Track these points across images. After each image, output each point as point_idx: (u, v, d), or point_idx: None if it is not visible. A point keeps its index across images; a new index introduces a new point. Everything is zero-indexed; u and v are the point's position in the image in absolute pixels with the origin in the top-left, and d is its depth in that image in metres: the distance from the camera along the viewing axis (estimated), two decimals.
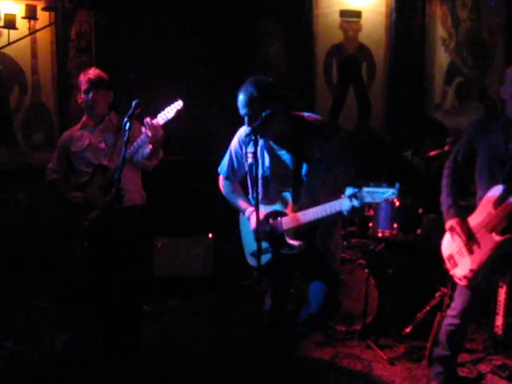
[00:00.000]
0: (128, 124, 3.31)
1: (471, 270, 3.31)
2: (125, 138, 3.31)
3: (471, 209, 3.44)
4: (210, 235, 5.53)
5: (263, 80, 3.11)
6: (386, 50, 5.71)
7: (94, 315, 4.09)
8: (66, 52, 5.48)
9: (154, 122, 3.57)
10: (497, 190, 3.20)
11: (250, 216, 3.28)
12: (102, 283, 3.89)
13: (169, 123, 3.61)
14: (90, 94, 3.90)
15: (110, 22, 5.50)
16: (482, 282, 3.33)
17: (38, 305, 4.93)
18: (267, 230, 3.19)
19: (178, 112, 3.58)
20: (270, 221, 3.19)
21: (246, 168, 3.33)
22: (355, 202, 2.79)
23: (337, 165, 3.10)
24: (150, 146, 3.67)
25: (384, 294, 4.41)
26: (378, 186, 2.73)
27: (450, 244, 3.47)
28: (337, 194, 3.04)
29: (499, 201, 3.18)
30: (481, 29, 4.96)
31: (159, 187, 4.68)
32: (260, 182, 3.19)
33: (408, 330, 4.36)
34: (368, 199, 2.75)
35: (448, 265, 3.48)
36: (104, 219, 3.81)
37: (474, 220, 3.35)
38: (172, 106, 3.60)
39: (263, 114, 2.94)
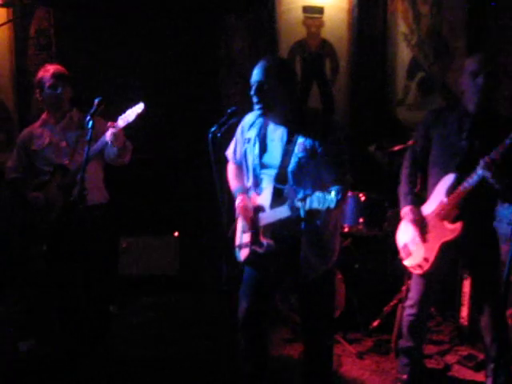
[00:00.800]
0: (91, 122, 3.26)
1: (425, 259, 3.38)
2: (87, 137, 3.26)
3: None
4: (176, 234, 5.49)
5: (287, 60, 3.06)
6: (348, 46, 5.73)
7: (58, 319, 4.01)
8: (24, 49, 5.35)
9: (116, 126, 3.53)
10: (448, 179, 3.27)
11: (237, 205, 3.15)
12: (66, 286, 3.82)
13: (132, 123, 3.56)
14: (59, 89, 3.81)
15: (70, 19, 5.40)
16: (436, 270, 3.39)
17: (1, 310, 4.82)
18: (249, 225, 3.09)
19: (139, 115, 3.53)
20: (254, 215, 3.07)
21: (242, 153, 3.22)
22: (301, 211, 2.72)
23: (329, 164, 2.94)
24: (113, 147, 3.63)
25: (351, 289, 4.44)
26: (329, 192, 2.64)
27: (404, 233, 3.54)
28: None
29: (451, 189, 3.25)
30: (442, 24, 5.01)
31: (124, 186, 4.61)
32: (251, 170, 3.12)
33: (375, 323, 4.40)
34: (315, 205, 2.67)
35: (402, 254, 3.56)
36: (65, 220, 3.74)
37: (426, 209, 3.42)
38: (133, 108, 3.53)
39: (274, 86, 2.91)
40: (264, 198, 3.05)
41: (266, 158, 3.06)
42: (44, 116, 3.95)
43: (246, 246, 3.11)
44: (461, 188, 3.18)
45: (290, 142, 2.99)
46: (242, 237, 3.16)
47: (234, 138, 3.29)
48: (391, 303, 4.35)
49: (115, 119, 3.57)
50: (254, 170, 3.10)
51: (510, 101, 4.41)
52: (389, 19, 5.62)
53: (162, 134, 5.66)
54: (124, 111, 3.55)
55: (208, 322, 4.67)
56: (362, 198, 4.54)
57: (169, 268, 5.45)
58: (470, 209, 3.23)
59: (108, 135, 3.54)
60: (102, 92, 3.73)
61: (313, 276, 3.06)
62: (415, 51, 5.37)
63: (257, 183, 3.11)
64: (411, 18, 5.37)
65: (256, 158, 3.07)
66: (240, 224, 3.21)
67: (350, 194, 4.59)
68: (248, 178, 3.17)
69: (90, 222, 3.64)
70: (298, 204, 2.74)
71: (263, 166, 3.07)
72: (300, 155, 2.95)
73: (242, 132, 3.20)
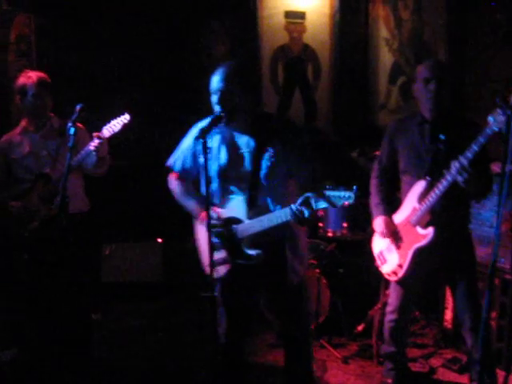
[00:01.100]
0: (72, 129, 3.22)
1: (399, 265, 3.41)
2: (69, 144, 3.22)
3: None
4: (160, 240, 5.46)
5: (248, 63, 2.97)
6: (330, 51, 5.76)
7: (40, 328, 3.95)
8: (5, 56, 5.31)
9: (101, 135, 3.51)
10: (420, 185, 3.29)
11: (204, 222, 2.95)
12: (48, 294, 3.77)
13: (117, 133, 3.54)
14: (44, 99, 3.76)
15: (51, 25, 5.36)
16: (412, 276, 3.41)
17: None
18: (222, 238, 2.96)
19: (125, 125, 3.50)
20: (226, 228, 2.94)
21: (200, 164, 3.05)
22: (305, 212, 2.67)
23: (301, 165, 2.93)
24: (95, 157, 3.60)
25: (336, 294, 4.44)
26: (336, 189, 2.60)
27: (379, 241, 3.56)
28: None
29: (422, 195, 3.27)
30: (423, 29, 5.04)
31: (106, 193, 4.58)
32: (216, 181, 2.99)
33: (360, 328, 4.40)
34: (323, 205, 2.63)
35: (378, 262, 3.59)
36: (46, 228, 3.69)
37: (399, 216, 3.45)
38: (119, 119, 3.53)
39: (237, 97, 2.82)
40: (235, 208, 2.93)
41: (236, 166, 2.95)
42: (24, 123, 3.89)
43: (224, 261, 2.96)
44: (432, 194, 3.19)
45: (257, 149, 2.91)
46: (215, 253, 2.94)
47: (181, 149, 3.14)
48: (376, 307, 4.35)
49: (97, 125, 3.55)
50: (220, 179, 2.96)
51: (492, 104, 4.45)
52: (370, 24, 5.65)
53: (144, 139, 5.64)
54: (106, 117, 3.53)
55: (192, 327, 4.64)
56: (346, 203, 4.53)
57: (153, 274, 5.41)
58: (442, 213, 3.25)
59: (93, 145, 3.52)
60: (83, 98, 3.71)
61: (297, 280, 3.05)
62: (397, 56, 5.40)
63: (223, 194, 2.98)
64: (392, 23, 5.40)
65: (223, 166, 2.95)
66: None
67: None
68: (208, 189, 2.95)
69: (71, 230, 3.61)
70: (301, 207, 2.68)
71: (232, 175, 2.95)
72: (270, 161, 2.89)
73: (195, 141, 2.97)
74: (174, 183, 3.19)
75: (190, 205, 3.11)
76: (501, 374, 3.39)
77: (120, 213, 5.41)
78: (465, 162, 2.97)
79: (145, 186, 5.56)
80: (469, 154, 2.96)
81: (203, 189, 3.08)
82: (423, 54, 5.06)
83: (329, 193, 2.61)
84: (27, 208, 3.76)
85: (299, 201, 2.69)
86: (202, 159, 2.97)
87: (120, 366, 4.08)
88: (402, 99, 5.40)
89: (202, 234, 3.07)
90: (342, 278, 4.61)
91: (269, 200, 2.93)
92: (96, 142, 3.52)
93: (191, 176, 3.14)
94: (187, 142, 3.11)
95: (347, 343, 4.38)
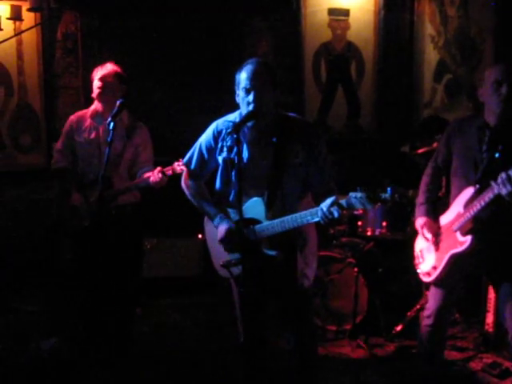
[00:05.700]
0: (112, 124, 3.28)
1: (433, 267, 3.35)
2: (109, 138, 3.28)
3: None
4: (200, 236, 5.49)
5: (272, 62, 2.99)
6: (374, 48, 5.70)
7: (83, 318, 4.03)
8: (52, 53, 5.44)
9: (166, 172, 3.55)
10: (468, 192, 3.19)
11: (219, 225, 2.99)
12: (92, 285, 3.84)
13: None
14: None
15: (97, 23, 5.47)
16: (448, 280, 3.33)
17: (25, 308, 4.87)
18: (238, 240, 2.87)
19: None
20: (243, 229, 2.85)
21: (219, 163, 3.05)
22: (335, 213, 2.63)
23: (320, 168, 2.93)
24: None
25: (374, 293, 4.39)
26: (364, 194, 2.57)
27: (421, 240, 3.50)
28: (312, 202, 2.96)
29: (469, 202, 3.16)
30: (469, 26, 4.94)
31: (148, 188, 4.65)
32: (236, 179, 2.88)
33: (398, 328, 4.34)
34: (358, 205, 2.60)
35: (417, 260, 3.52)
36: (96, 220, 3.74)
37: (444, 219, 3.37)
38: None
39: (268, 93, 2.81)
40: (253, 209, 2.90)
41: (256, 167, 2.93)
42: (98, 107, 3.88)
43: (238, 263, 2.84)
44: (477, 204, 3.07)
45: (280, 149, 2.89)
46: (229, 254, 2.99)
47: (198, 147, 3.13)
48: (414, 308, 4.29)
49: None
50: (239, 179, 2.76)
51: None
52: (416, 21, 5.58)
53: (186, 136, 5.68)
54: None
55: (232, 323, 4.65)
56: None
57: (193, 270, 5.45)
58: (488, 221, 3.14)
59: (153, 180, 3.61)
60: (126, 95, 3.78)
61: (308, 284, 3.04)
62: (442, 53, 5.31)
63: (239, 193, 2.78)
64: (438, 20, 5.31)
65: (244, 166, 2.87)
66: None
67: None
68: (227, 189, 3.02)
69: (118, 221, 3.66)
70: (332, 208, 2.64)
71: (252, 175, 2.91)
72: (293, 161, 2.88)
73: (215, 139, 3.03)
74: (187, 182, 3.20)
75: (205, 205, 3.11)
76: None
77: (162, 208, 5.47)
78: None
79: None
80: None
81: (218, 186, 3.09)
82: (469, 50, 4.96)
83: (358, 195, 2.58)
84: (86, 204, 3.81)
85: (328, 202, 2.66)
86: (221, 156, 3.00)
87: (158, 361, 4.12)
88: (447, 98, 5.31)
89: (212, 234, 3.10)
90: (381, 278, 4.56)
91: (286, 202, 2.90)
92: (158, 176, 3.56)
93: (206, 174, 3.16)
94: (204, 139, 3.10)
95: (385, 344, 4.32)
